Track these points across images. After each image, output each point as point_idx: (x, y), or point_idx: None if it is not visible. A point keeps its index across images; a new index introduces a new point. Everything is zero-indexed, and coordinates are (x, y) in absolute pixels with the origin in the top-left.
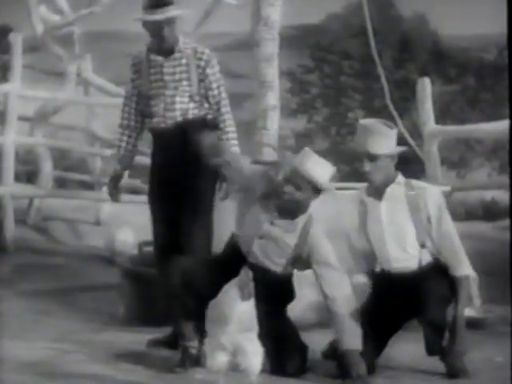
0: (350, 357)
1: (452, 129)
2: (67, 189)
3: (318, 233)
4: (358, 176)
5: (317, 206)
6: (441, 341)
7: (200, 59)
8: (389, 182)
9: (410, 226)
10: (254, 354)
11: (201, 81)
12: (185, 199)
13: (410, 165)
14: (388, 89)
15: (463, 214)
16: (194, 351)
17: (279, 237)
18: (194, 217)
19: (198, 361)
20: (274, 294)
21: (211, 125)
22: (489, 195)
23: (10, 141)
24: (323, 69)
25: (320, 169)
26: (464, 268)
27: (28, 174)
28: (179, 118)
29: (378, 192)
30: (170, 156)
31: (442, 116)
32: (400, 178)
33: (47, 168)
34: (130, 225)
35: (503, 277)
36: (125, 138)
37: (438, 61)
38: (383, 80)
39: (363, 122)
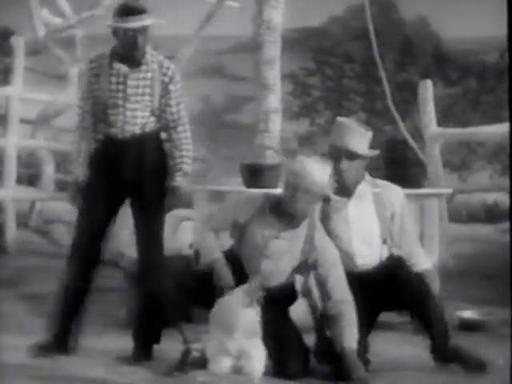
0: (349, 356)
1: (454, 131)
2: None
3: (323, 236)
4: None
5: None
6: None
7: (165, 75)
8: (358, 181)
9: (375, 222)
10: (258, 358)
11: (162, 96)
12: (137, 207)
13: (411, 167)
14: (390, 91)
15: (465, 216)
16: (197, 354)
17: (286, 249)
18: (148, 223)
19: (201, 364)
20: (276, 296)
21: (167, 140)
22: (491, 198)
23: (11, 144)
24: (325, 71)
25: (321, 174)
26: (427, 262)
27: (30, 176)
28: (138, 131)
29: (346, 191)
30: (122, 165)
31: (444, 119)
32: (367, 177)
33: (49, 171)
34: (131, 227)
35: (505, 279)
36: (84, 142)
37: (440, 63)
38: (385, 83)
39: (342, 119)
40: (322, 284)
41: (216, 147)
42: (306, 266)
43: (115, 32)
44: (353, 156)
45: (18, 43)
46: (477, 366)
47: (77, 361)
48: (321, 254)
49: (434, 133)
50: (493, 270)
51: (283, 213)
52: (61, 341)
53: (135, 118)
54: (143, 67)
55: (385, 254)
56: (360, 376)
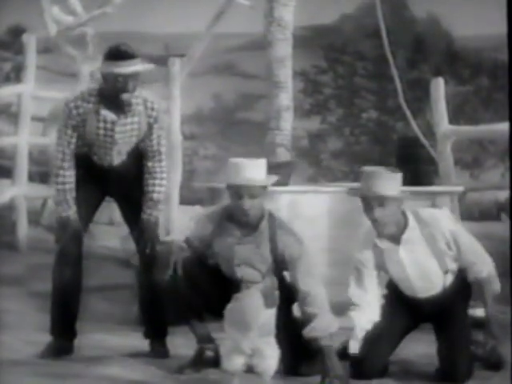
0: (327, 354)
1: (465, 129)
2: None
3: (286, 231)
4: None
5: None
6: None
7: (150, 116)
8: (401, 226)
9: (431, 260)
10: (271, 357)
11: (145, 133)
12: (124, 207)
13: (423, 165)
14: (401, 89)
15: (477, 214)
16: (210, 353)
17: (253, 253)
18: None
19: (214, 362)
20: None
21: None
22: (503, 195)
23: (23, 141)
24: (337, 69)
25: (256, 170)
26: (486, 269)
27: (41, 174)
28: (124, 159)
29: (393, 237)
30: (106, 181)
31: (456, 116)
32: (412, 220)
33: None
34: None
35: None
36: (68, 180)
37: (452, 61)
38: (397, 80)
39: (368, 168)
40: (293, 282)
41: (227, 145)
42: (278, 264)
43: (104, 75)
44: (382, 200)
45: (30, 41)
46: (496, 363)
47: (88, 358)
48: (285, 250)
49: (445, 130)
50: (505, 267)
51: (238, 220)
52: (63, 341)
53: (121, 155)
54: (130, 112)
55: (449, 281)
56: (338, 374)
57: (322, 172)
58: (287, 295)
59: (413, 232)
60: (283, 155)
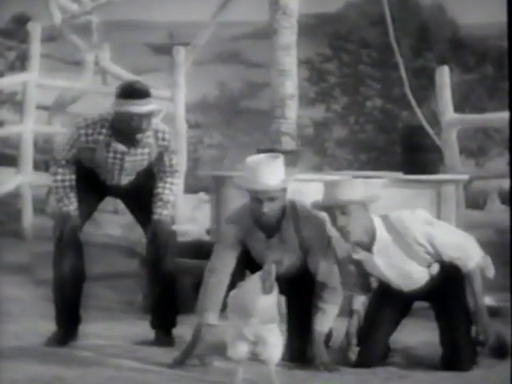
0: (316, 340)
1: (471, 117)
2: None
3: (310, 224)
4: (375, 165)
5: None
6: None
7: (161, 146)
8: (371, 234)
9: (409, 262)
10: (275, 345)
11: (157, 160)
12: (132, 206)
13: (428, 154)
14: (406, 77)
15: (482, 202)
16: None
17: (282, 254)
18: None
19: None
20: (295, 283)
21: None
22: (508, 184)
23: (28, 130)
24: (341, 57)
25: (271, 173)
26: (472, 260)
27: (46, 162)
28: (132, 179)
29: (366, 247)
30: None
31: (461, 105)
32: (380, 229)
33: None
34: None
35: None
36: (67, 178)
37: (457, 49)
38: (402, 69)
39: (331, 180)
40: (312, 271)
41: (232, 133)
42: (304, 253)
43: (119, 114)
44: (344, 209)
45: (35, 29)
46: (501, 351)
47: (93, 346)
48: (308, 241)
49: (450, 119)
50: (510, 256)
51: (262, 224)
52: (68, 329)
53: (130, 176)
54: (140, 145)
55: (435, 270)
56: (324, 361)
57: (326, 160)
58: (304, 283)
59: (383, 242)
60: (288, 144)
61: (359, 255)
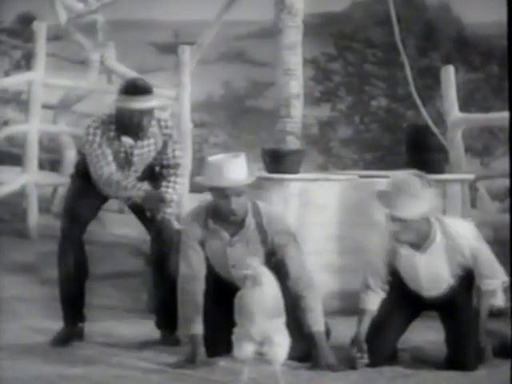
0: (318, 342)
1: (476, 117)
2: None
3: (273, 219)
4: (380, 164)
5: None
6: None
7: (165, 135)
8: (423, 236)
9: (445, 268)
10: (281, 345)
11: (161, 149)
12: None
13: (433, 153)
14: (412, 77)
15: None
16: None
17: (246, 251)
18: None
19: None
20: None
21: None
22: None
23: (33, 129)
24: (347, 57)
25: (238, 168)
26: (495, 283)
27: (52, 162)
28: (139, 175)
29: (414, 245)
30: None
31: (466, 104)
32: (439, 234)
33: (71, 156)
34: None
35: None
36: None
37: (462, 49)
38: (407, 68)
39: (395, 180)
40: (280, 266)
41: (237, 132)
42: (269, 253)
43: (120, 110)
44: (406, 223)
45: (40, 29)
46: (505, 351)
47: (98, 345)
48: (274, 238)
49: (456, 118)
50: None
51: (225, 219)
52: (72, 327)
53: (137, 172)
54: (146, 135)
55: (455, 281)
56: (329, 363)
57: (331, 160)
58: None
59: (435, 244)
60: (293, 143)
61: (405, 250)
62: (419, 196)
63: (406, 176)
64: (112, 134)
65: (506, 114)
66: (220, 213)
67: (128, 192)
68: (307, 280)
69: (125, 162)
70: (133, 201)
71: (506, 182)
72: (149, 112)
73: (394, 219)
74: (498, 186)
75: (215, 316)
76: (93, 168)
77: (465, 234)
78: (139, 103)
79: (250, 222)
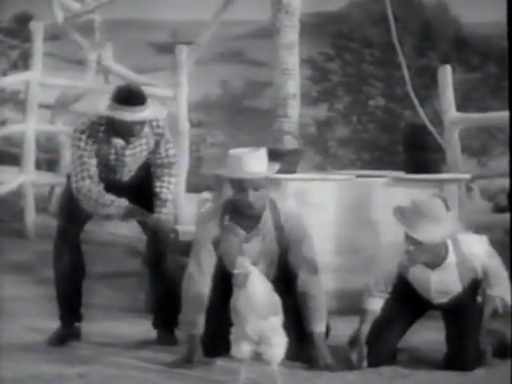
0: (317, 341)
1: (473, 116)
2: None
3: (290, 215)
4: (377, 164)
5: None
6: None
7: (157, 134)
8: (439, 255)
9: (456, 283)
10: (278, 345)
11: (154, 149)
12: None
13: (430, 153)
14: (409, 77)
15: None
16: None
17: (262, 247)
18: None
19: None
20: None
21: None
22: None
23: (31, 128)
24: (344, 57)
25: (258, 161)
26: (501, 293)
27: (49, 161)
28: (133, 174)
29: (428, 264)
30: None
31: (464, 104)
32: (451, 253)
33: (68, 156)
34: None
35: None
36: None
37: (460, 48)
38: (404, 68)
39: (418, 201)
40: (293, 265)
41: (235, 132)
42: (284, 250)
43: (111, 118)
44: (420, 243)
45: (37, 28)
46: (504, 351)
47: (96, 345)
48: (290, 234)
49: (453, 118)
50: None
51: (242, 215)
52: (69, 326)
53: (131, 172)
54: (138, 136)
55: (467, 287)
56: (327, 363)
57: (329, 160)
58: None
59: (449, 264)
60: (290, 143)
61: (418, 268)
62: (440, 220)
63: (429, 198)
64: (101, 135)
65: (503, 114)
66: (237, 207)
67: (106, 209)
68: (318, 280)
69: (116, 163)
70: (112, 218)
71: (504, 181)
72: (140, 123)
73: (411, 240)
74: (496, 185)
75: (219, 314)
76: (73, 178)
77: (477, 253)
78: (131, 114)
79: (267, 217)
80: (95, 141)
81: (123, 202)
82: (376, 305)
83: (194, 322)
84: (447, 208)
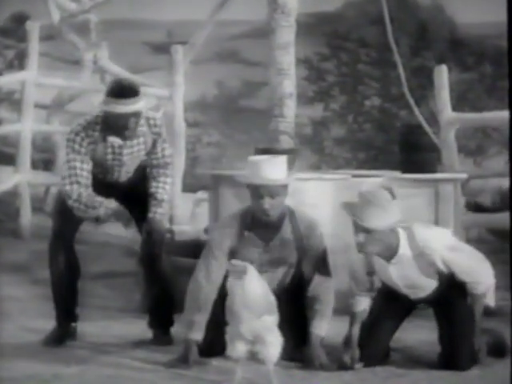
0: (314, 342)
1: (469, 116)
2: None
3: (307, 223)
4: (373, 163)
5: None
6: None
7: (154, 133)
8: (392, 247)
9: (420, 278)
10: (273, 344)
11: (151, 148)
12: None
13: (426, 152)
14: (405, 77)
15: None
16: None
17: (279, 260)
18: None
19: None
20: (291, 283)
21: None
22: (507, 183)
23: (26, 128)
24: (340, 56)
25: (276, 169)
26: (481, 286)
27: (45, 161)
28: (131, 175)
29: (384, 257)
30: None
31: (459, 104)
32: (403, 244)
33: (64, 156)
34: None
35: None
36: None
37: (455, 48)
38: (400, 68)
39: (364, 193)
40: (308, 270)
41: (231, 132)
42: (301, 258)
43: (106, 112)
44: (369, 230)
45: (33, 28)
46: (501, 350)
47: (92, 345)
48: (309, 241)
49: (449, 118)
50: (508, 255)
51: (261, 224)
52: (65, 326)
53: (129, 173)
54: (135, 135)
55: (443, 278)
56: (322, 363)
57: (325, 159)
58: (296, 285)
59: (403, 256)
60: (286, 142)
61: (376, 260)
62: (386, 208)
63: (375, 188)
64: (97, 134)
65: (499, 114)
66: (254, 214)
67: (95, 211)
68: (330, 286)
69: (114, 163)
70: (101, 221)
71: (499, 181)
72: (134, 115)
73: (360, 229)
74: (491, 185)
75: (217, 316)
76: (62, 181)
77: (434, 246)
78: (125, 106)
79: (287, 226)
80: (91, 141)
81: (112, 203)
82: (363, 304)
83: (197, 328)
84: (393, 197)
